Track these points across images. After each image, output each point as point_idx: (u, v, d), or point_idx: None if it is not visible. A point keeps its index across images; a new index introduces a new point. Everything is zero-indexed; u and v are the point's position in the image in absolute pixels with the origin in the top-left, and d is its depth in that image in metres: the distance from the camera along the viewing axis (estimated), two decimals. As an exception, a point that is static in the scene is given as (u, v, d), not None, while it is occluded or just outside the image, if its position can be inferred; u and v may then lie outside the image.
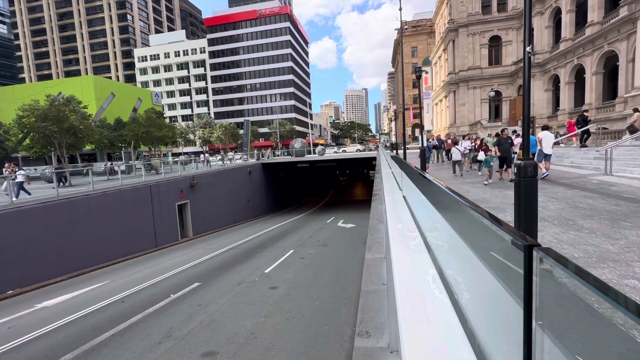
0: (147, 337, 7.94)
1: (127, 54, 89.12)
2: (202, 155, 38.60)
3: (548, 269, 0.87)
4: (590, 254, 4.20)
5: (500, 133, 11.31)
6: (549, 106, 30.74)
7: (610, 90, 23.68)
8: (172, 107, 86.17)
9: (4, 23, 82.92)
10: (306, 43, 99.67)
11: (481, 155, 12.55)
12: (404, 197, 6.46)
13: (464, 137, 15.81)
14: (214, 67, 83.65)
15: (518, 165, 3.86)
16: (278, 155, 44.00)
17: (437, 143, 20.84)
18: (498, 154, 11.02)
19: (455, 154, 14.76)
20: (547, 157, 10.40)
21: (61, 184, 19.92)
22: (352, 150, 45.19)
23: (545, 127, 11.46)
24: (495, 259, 1.36)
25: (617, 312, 0.60)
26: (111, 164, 28.37)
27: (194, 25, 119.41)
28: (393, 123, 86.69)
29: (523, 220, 3.79)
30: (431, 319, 1.85)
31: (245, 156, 41.57)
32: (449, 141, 18.80)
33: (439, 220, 2.58)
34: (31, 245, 12.82)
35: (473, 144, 15.67)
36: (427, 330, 1.76)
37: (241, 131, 65.36)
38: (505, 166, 11.07)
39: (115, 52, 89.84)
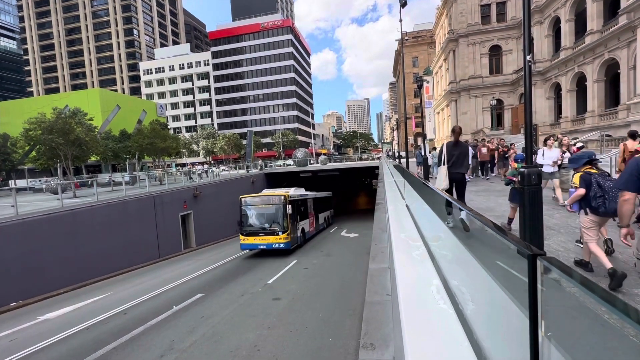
0: (149, 349, 7.84)
1: (133, 67, 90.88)
2: (200, 166, 38.93)
3: (554, 279, 0.85)
4: (599, 262, 4.13)
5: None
6: (551, 114, 30.73)
7: (612, 97, 23.66)
8: (176, 118, 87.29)
9: (14, 39, 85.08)
10: (308, 55, 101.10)
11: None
12: (407, 206, 6.43)
13: (545, 141, 9.18)
14: (217, 79, 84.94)
15: (522, 173, 3.85)
16: (281, 165, 44.07)
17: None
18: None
19: (431, 161, 16.16)
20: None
21: None
22: (353, 159, 45.50)
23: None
24: (500, 269, 1.34)
25: (625, 322, 0.58)
26: (110, 178, 27.95)
27: (199, 38, 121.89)
28: (395, 132, 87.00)
29: (528, 229, 3.75)
30: (436, 331, 1.81)
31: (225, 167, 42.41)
32: (484, 150, 13.67)
33: (442, 230, 2.55)
34: (34, 257, 12.82)
35: (565, 152, 8.79)
36: (433, 342, 1.72)
37: (244, 142, 65.86)
38: None
39: (121, 66, 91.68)
